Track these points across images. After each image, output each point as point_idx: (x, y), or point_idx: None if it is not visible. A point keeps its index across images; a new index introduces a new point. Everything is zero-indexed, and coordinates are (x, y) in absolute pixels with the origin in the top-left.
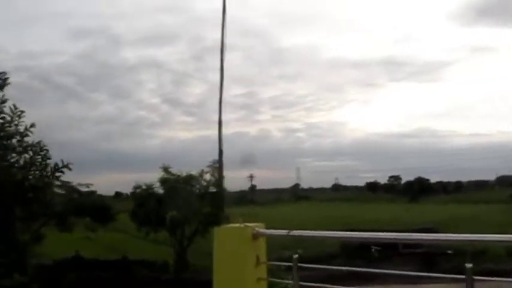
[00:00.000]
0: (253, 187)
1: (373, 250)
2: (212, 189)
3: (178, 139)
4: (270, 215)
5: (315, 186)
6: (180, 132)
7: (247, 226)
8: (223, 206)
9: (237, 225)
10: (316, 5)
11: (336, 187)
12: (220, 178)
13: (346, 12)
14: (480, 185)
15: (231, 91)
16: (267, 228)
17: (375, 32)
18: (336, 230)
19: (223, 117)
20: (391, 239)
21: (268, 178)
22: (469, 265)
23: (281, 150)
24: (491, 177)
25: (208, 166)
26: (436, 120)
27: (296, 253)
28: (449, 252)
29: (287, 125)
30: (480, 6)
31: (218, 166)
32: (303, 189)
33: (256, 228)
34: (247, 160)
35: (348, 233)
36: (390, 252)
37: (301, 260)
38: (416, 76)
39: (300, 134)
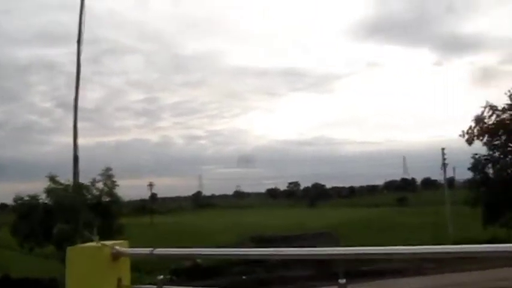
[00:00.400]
0: (153, 196)
1: None
2: (105, 199)
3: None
4: (171, 224)
5: (217, 193)
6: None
7: (105, 245)
8: (116, 217)
9: (93, 244)
10: (218, 13)
11: (238, 194)
12: (75, 186)
13: (248, 22)
14: (371, 190)
15: (131, 96)
16: (170, 240)
17: (275, 42)
18: (242, 237)
19: (122, 123)
20: (260, 254)
21: (170, 186)
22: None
23: (183, 158)
24: (380, 182)
25: (100, 174)
26: (332, 129)
27: (197, 263)
28: None
29: (189, 132)
30: (371, 24)
31: (109, 175)
32: (206, 197)
33: (116, 247)
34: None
35: (219, 249)
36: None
37: (200, 269)
38: (314, 87)
39: (203, 141)
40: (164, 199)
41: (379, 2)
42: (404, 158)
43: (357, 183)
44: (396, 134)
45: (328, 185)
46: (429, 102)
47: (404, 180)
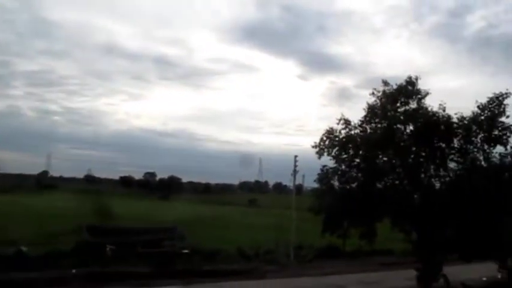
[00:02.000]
0: None
1: (107, 249)
2: None
3: None
4: (3, 204)
5: (66, 175)
6: None
7: None
8: None
9: None
10: None
11: (89, 178)
12: None
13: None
14: (226, 188)
15: None
16: None
17: (151, 27)
18: (80, 223)
19: None
20: None
21: (15, 161)
22: None
23: (32, 132)
24: (235, 181)
25: None
26: (195, 124)
27: (22, 250)
28: (187, 251)
29: (43, 106)
30: (247, 27)
31: None
32: (52, 178)
33: None
34: None
35: None
36: (127, 251)
37: (24, 258)
38: (184, 79)
39: (57, 118)
40: (4, 175)
41: (258, 7)
42: (260, 161)
43: (213, 181)
44: (256, 137)
45: (185, 179)
46: (290, 111)
47: (257, 182)
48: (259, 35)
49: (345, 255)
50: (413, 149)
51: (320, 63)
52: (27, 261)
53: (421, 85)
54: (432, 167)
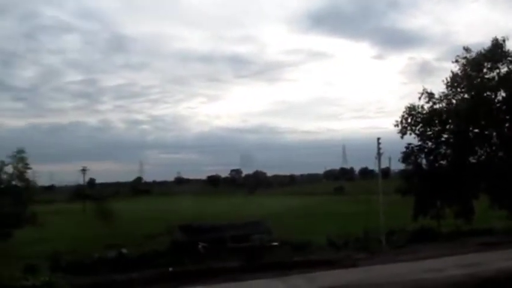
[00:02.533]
0: (91, 181)
1: (200, 246)
2: (17, 184)
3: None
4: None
5: (158, 179)
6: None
7: None
8: (27, 204)
9: None
10: None
11: (179, 180)
12: None
13: (194, 6)
14: (311, 179)
15: (68, 77)
16: None
17: (221, 28)
18: (177, 224)
19: (59, 105)
20: None
21: (110, 171)
22: None
23: (124, 143)
24: (320, 171)
25: (10, 157)
26: (274, 118)
27: (122, 252)
28: (275, 244)
29: (130, 117)
30: (315, 15)
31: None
32: (146, 183)
33: None
34: None
35: None
36: (218, 247)
37: (124, 260)
38: (259, 75)
39: (144, 126)
40: (102, 185)
41: None
42: (343, 148)
43: (297, 172)
44: (337, 123)
45: (270, 173)
46: (369, 94)
47: (343, 169)
48: (328, 20)
49: (441, 238)
50: (508, 117)
51: (396, 40)
52: (128, 263)
53: (511, 47)
54: None
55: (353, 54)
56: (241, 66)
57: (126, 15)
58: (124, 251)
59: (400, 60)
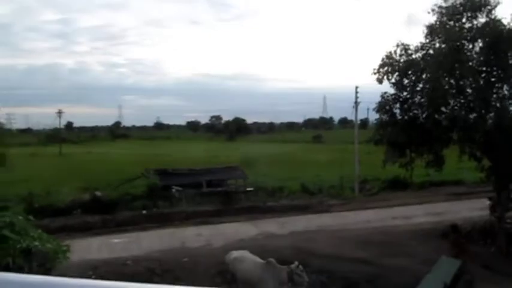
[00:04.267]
0: (69, 125)
1: (173, 190)
2: None
3: None
4: (81, 154)
5: (137, 124)
6: None
7: None
8: None
9: None
10: None
11: (158, 126)
12: None
13: None
14: (290, 127)
15: (44, 16)
16: None
17: None
18: (152, 168)
19: (34, 45)
20: None
21: (88, 115)
22: None
23: (102, 86)
24: (300, 120)
25: None
26: (256, 64)
27: (96, 196)
28: (250, 189)
29: (108, 59)
30: None
31: None
32: (125, 128)
33: None
34: None
35: None
36: (192, 192)
37: (99, 203)
38: (240, 19)
39: (123, 70)
40: (81, 128)
41: None
42: (324, 97)
43: (277, 120)
44: (320, 73)
45: (249, 120)
46: (353, 44)
47: (322, 118)
48: None
49: (412, 187)
50: (484, 68)
51: None
52: (102, 206)
53: None
54: (505, 87)
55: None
56: (222, 9)
57: None
58: (98, 193)
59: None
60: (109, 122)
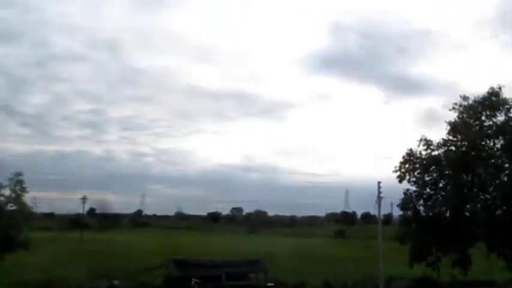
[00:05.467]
0: (92, 211)
1: (192, 283)
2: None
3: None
4: (101, 241)
5: (158, 213)
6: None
7: None
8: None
9: None
10: (174, 29)
11: (179, 215)
12: None
13: (203, 42)
14: (312, 221)
15: (76, 106)
16: None
17: (229, 65)
18: (171, 259)
19: (65, 133)
20: None
21: (111, 202)
22: None
23: (127, 174)
24: (321, 213)
25: (9, 179)
26: (278, 157)
27: (113, 284)
28: (271, 284)
29: (135, 148)
30: (324, 57)
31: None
32: (146, 216)
33: None
34: None
35: None
36: (212, 284)
37: None
38: (265, 113)
39: (148, 159)
40: (103, 215)
41: (333, 37)
42: (346, 191)
43: (299, 213)
44: (341, 167)
45: (271, 213)
46: (375, 139)
47: (344, 213)
48: (338, 63)
49: (442, 286)
50: (506, 165)
51: (403, 86)
52: None
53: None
54: None
55: (360, 98)
56: (248, 104)
57: (137, 47)
58: (115, 282)
59: (406, 106)
60: (131, 210)
